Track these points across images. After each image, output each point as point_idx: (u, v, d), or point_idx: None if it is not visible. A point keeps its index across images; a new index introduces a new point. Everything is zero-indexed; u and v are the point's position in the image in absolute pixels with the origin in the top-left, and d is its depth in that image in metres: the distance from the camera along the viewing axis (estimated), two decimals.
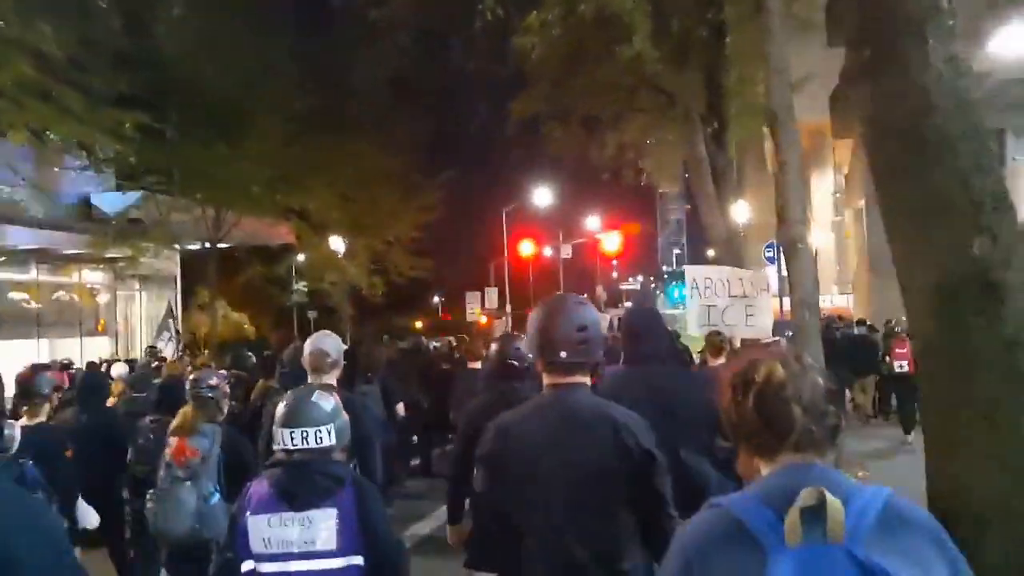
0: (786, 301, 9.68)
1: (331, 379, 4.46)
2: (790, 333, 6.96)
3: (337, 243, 24.51)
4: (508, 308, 40.39)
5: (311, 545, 2.85)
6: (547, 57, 17.35)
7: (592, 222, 54.17)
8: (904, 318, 7.07)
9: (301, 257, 27.04)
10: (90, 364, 14.62)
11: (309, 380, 4.36)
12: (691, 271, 7.13)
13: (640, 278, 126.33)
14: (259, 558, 2.89)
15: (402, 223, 26.14)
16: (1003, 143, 21.91)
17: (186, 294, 26.97)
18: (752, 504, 1.57)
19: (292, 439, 2.93)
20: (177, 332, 20.69)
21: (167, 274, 23.76)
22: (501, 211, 40.09)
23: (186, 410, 4.90)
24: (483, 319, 39.39)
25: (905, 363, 12.31)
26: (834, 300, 30.50)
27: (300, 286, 29.81)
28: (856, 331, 15.83)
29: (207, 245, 18.63)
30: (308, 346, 4.62)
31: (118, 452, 5.79)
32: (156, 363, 13.08)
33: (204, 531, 4.61)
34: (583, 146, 20.30)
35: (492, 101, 19.68)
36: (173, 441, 4.77)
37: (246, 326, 31.35)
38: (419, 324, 50.11)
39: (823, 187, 41.88)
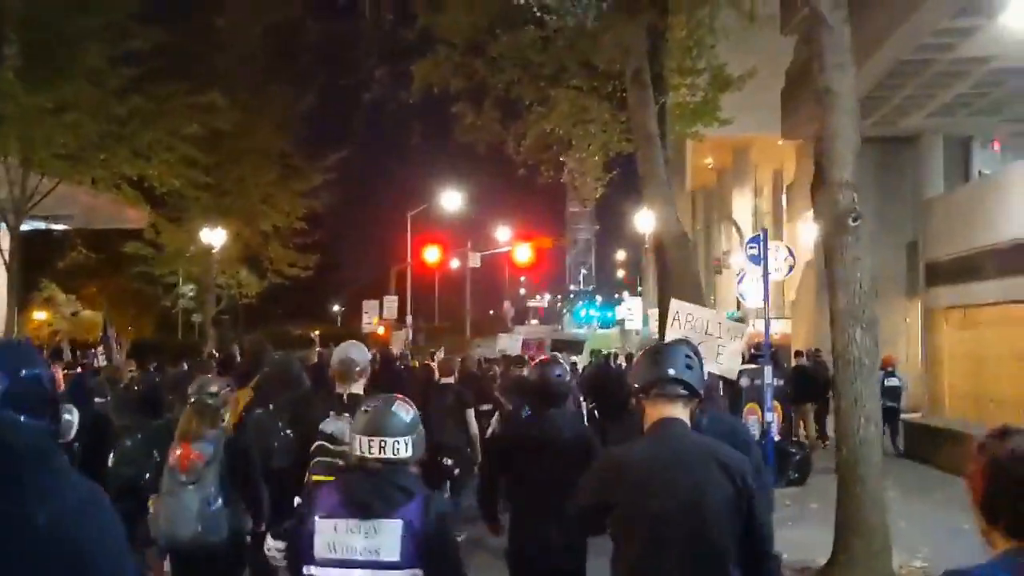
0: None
1: (358, 388, 4.50)
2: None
3: (211, 234, 20.62)
4: (409, 319, 37.36)
5: (374, 554, 2.87)
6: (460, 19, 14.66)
7: (503, 233, 52.00)
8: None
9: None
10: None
11: (337, 390, 4.53)
12: (675, 305, 7.18)
13: (548, 296, 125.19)
14: (322, 562, 2.91)
15: (278, 211, 22.30)
16: (969, 154, 19.92)
17: (27, 288, 22.76)
18: None
19: (371, 448, 2.95)
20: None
21: None
22: (405, 212, 37.06)
23: (190, 415, 4.86)
24: (380, 329, 36.46)
25: None
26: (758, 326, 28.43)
27: (188, 288, 25.75)
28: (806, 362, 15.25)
29: (8, 219, 14.11)
30: (336, 355, 4.68)
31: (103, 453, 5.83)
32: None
33: (208, 535, 4.63)
34: (498, 133, 17.49)
35: (394, 71, 16.46)
36: (177, 446, 4.75)
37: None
38: (316, 333, 46.48)
39: (744, 205, 40.56)
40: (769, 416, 9.00)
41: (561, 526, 3.92)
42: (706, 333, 6.59)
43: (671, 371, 2.88)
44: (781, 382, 9.42)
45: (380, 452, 2.92)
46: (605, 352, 16.24)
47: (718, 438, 3.17)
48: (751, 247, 9.30)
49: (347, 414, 4.07)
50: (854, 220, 5.24)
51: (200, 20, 18.29)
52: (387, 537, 2.85)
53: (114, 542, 2.09)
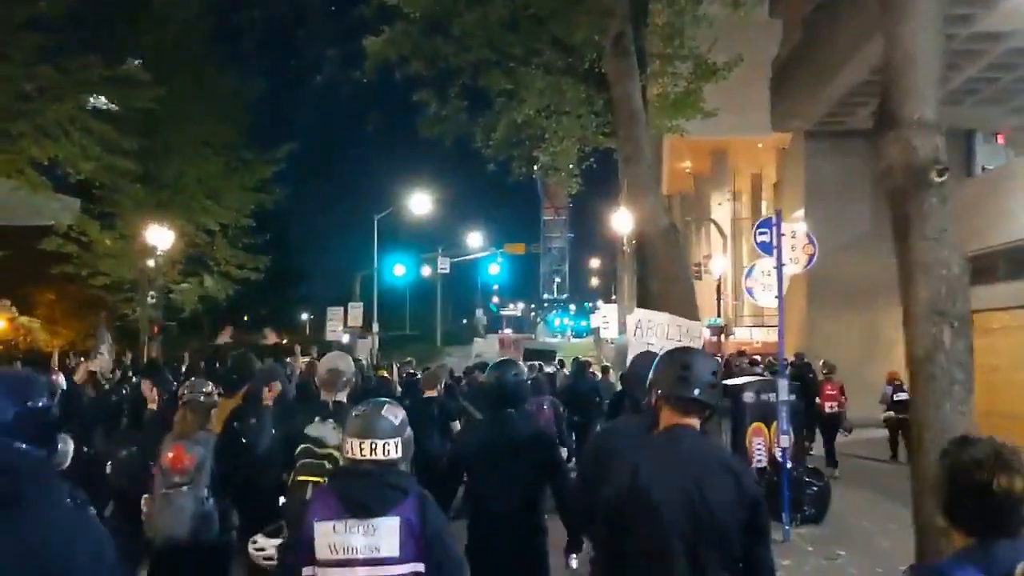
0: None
1: (343, 396, 4.59)
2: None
3: (156, 233, 18.60)
4: (376, 327, 35.74)
5: (375, 552, 2.95)
6: None
7: (475, 239, 50.56)
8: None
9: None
10: None
11: (322, 398, 4.61)
12: (637, 313, 7.18)
13: (521, 305, 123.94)
14: (324, 564, 2.98)
15: (226, 208, 20.39)
16: (971, 147, 18.59)
17: None
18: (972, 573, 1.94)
19: (362, 450, 3.06)
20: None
21: None
22: (371, 214, 35.45)
23: (183, 415, 5.05)
24: (345, 338, 34.83)
25: (835, 404, 13.13)
26: (750, 334, 27.03)
27: (150, 296, 23.70)
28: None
29: None
30: (322, 365, 4.77)
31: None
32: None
33: (201, 534, 4.79)
34: (465, 125, 16.00)
35: (348, 51, 14.83)
36: (170, 447, 4.89)
37: (42, 337, 25.10)
38: (284, 342, 44.90)
39: (722, 210, 39.49)
40: (784, 439, 7.40)
41: (519, 527, 4.13)
42: (667, 338, 6.70)
43: (697, 392, 2.94)
44: (792, 397, 7.81)
45: (371, 453, 3.05)
46: (581, 359, 14.95)
47: None
48: (761, 232, 7.70)
49: (331, 420, 4.25)
50: (939, 174, 3.71)
51: None
52: (386, 534, 2.95)
53: (103, 565, 2.24)
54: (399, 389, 12.32)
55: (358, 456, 3.04)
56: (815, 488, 8.12)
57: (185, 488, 4.80)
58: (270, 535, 4.18)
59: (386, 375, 14.18)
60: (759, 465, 8.05)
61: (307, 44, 14.83)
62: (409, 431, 3.17)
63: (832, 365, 13.66)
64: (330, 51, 14.63)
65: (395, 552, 2.92)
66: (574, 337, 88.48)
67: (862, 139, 19.13)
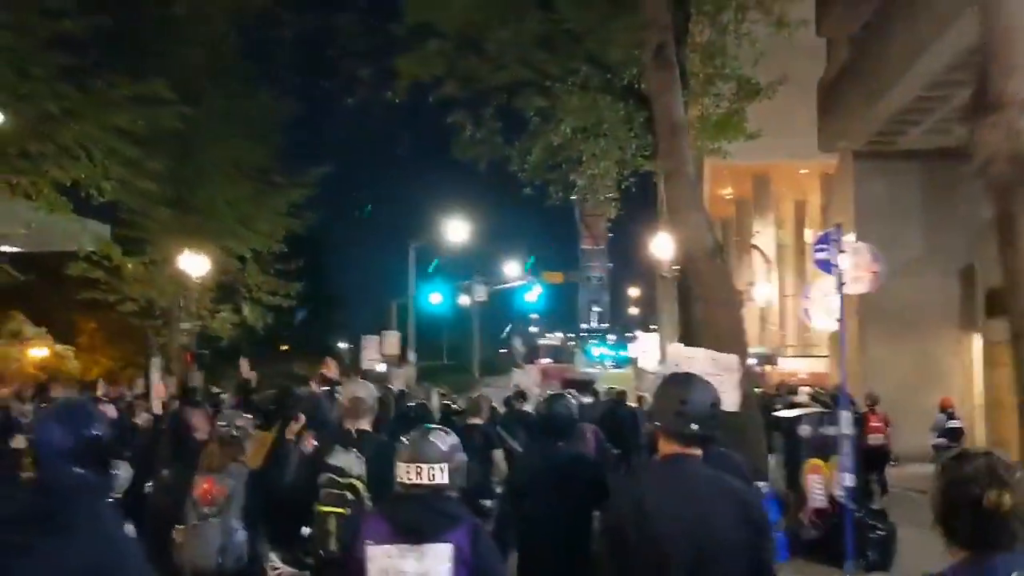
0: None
1: (366, 424, 4.68)
2: None
3: (191, 260, 18.30)
4: (412, 356, 35.34)
5: None
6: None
7: (513, 268, 50.12)
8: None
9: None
10: None
11: (345, 426, 4.70)
12: (671, 352, 7.16)
13: (559, 334, 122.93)
14: None
15: (258, 234, 20.02)
16: None
17: None
18: None
19: (410, 474, 3.10)
20: None
21: None
22: (406, 240, 35.24)
23: (214, 449, 5.13)
24: (380, 367, 34.45)
25: (880, 435, 12.35)
26: (795, 364, 26.10)
27: (188, 326, 23.51)
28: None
29: None
30: (345, 394, 4.97)
31: None
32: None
33: (228, 564, 4.86)
34: (500, 148, 15.65)
35: (380, 71, 14.49)
36: (202, 479, 4.98)
37: (73, 366, 24.97)
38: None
39: (765, 238, 38.57)
40: (848, 478, 6.67)
41: (570, 556, 4.06)
42: (704, 373, 5.58)
43: (695, 427, 2.91)
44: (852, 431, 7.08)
45: (418, 477, 3.06)
46: (617, 390, 14.58)
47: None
48: (820, 249, 7.02)
49: (355, 449, 4.37)
50: None
51: (153, 7, 16.15)
52: (437, 561, 2.96)
53: None
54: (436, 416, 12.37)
55: (406, 480, 3.08)
56: (880, 532, 7.34)
57: (214, 519, 4.90)
58: (287, 562, 4.61)
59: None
60: (817, 505, 7.35)
61: (338, 64, 14.44)
62: (460, 457, 3.17)
63: (876, 396, 13.07)
64: (362, 71, 14.28)
65: None
66: (613, 367, 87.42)
67: (914, 160, 18.37)
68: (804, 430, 7.41)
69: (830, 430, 7.33)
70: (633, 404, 14.39)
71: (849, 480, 6.65)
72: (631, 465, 9.64)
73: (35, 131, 12.14)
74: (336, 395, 10.82)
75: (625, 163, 15.99)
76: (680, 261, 12.72)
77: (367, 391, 4.90)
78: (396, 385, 20.99)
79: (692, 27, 13.41)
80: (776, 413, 8.11)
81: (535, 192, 16.69)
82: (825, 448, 7.37)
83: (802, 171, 34.83)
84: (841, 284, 6.71)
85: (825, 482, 7.38)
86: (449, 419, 13.13)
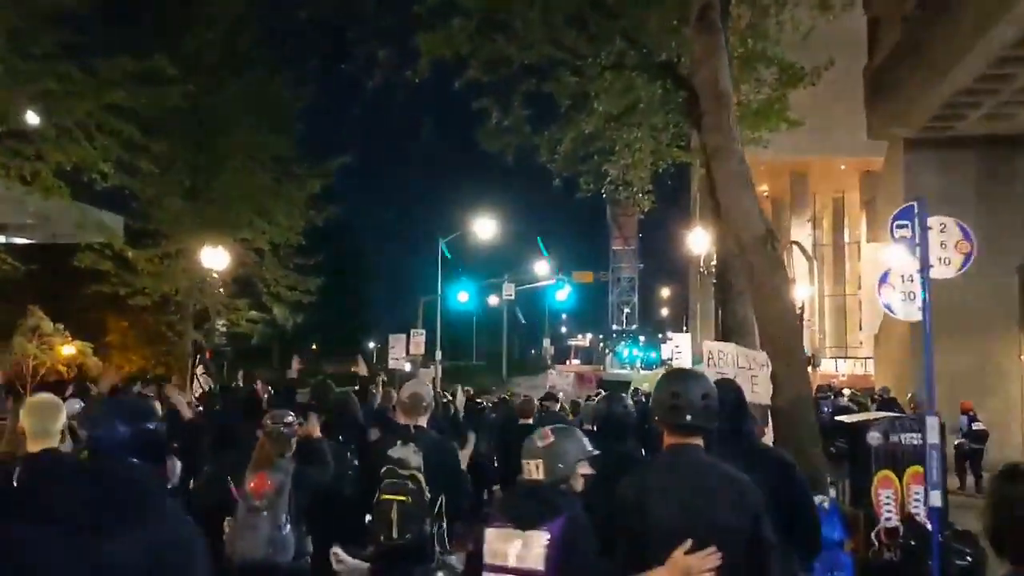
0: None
1: (423, 421, 5.04)
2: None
3: (211, 254, 17.56)
4: (438, 356, 34.71)
5: (524, 561, 3.15)
6: None
7: (542, 267, 49.34)
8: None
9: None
10: None
11: (402, 422, 5.08)
12: (708, 345, 7.10)
13: (589, 335, 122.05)
14: (487, 568, 3.25)
15: (276, 226, 19.16)
16: None
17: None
18: None
19: (523, 468, 3.37)
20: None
21: None
22: (434, 236, 34.63)
23: (264, 444, 5.30)
24: (407, 367, 33.88)
25: None
26: (835, 366, 25.00)
27: (220, 324, 23.04)
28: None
29: None
30: (404, 391, 5.29)
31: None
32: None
33: (276, 556, 5.06)
34: (528, 137, 14.79)
35: (401, 51, 13.68)
36: (253, 473, 5.17)
37: (92, 363, 24.46)
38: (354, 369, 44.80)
39: (801, 235, 37.42)
40: (935, 495, 5.64)
41: None
42: (738, 367, 6.63)
43: (689, 418, 3.12)
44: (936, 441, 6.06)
45: (527, 472, 3.33)
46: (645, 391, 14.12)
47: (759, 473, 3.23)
48: (900, 225, 6.04)
49: (412, 444, 4.70)
50: None
51: None
52: (534, 547, 3.13)
53: (206, 571, 2.48)
54: (461, 413, 12.62)
55: (524, 474, 3.34)
56: (967, 558, 6.23)
57: (264, 513, 5.09)
58: (351, 552, 4.98)
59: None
60: (888, 524, 6.39)
61: (357, 47, 13.64)
62: (557, 451, 3.31)
63: (921, 400, 12.05)
64: (382, 52, 13.48)
65: (540, 565, 3.08)
66: (644, 368, 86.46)
67: (970, 149, 17.28)
68: (873, 437, 6.46)
69: (904, 437, 6.40)
70: None
71: (936, 498, 5.67)
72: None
73: (36, 110, 11.47)
74: (371, 392, 10.71)
75: (660, 153, 15.16)
76: (723, 253, 11.78)
77: (426, 390, 5.25)
78: (424, 382, 20.41)
79: (732, 9, 12.57)
80: (840, 417, 7.19)
81: (565, 186, 15.87)
82: (897, 458, 6.43)
83: (842, 167, 33.73)
84: (926, 267, 5.76)
85: (897, 497, 6.44)
86: (478, 417, 12.56)
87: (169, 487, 4.99)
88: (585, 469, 3.37)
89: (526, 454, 3.35)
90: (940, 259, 6.12)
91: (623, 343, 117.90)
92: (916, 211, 5.89)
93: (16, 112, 11.61)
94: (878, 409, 12.30)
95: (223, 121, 17.04)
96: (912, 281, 6.51)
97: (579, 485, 3.34)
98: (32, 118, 12.31)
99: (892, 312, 7.10)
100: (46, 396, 4.53)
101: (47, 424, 4.05)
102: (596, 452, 3.44)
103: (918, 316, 6.36)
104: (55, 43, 11.51)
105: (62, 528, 2.23)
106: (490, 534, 3.25)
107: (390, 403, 9.51)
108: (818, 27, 13.46)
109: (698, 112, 9.33)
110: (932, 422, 5.75)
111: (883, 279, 7.00)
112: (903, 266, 6.58)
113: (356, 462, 6.22)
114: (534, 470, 3.29)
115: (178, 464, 5.28)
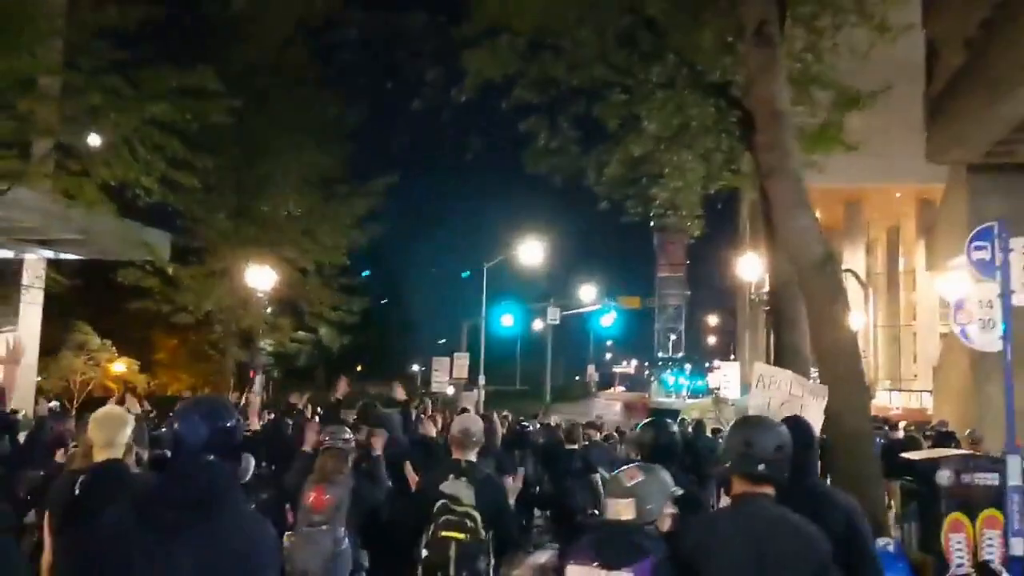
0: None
1: (473, 455, 4.89)
2: None
3: (258, 274, 17.45)
4: (482, 380, 34.53)
5: None
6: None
7: (587, 292, 48.92)
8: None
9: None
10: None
11: (455, 455, 4.88)
12: (760, 367, 6.53)
13: (634, 362, 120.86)
14: None
15: (321, 246, 19.14)
16: None
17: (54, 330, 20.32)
18: None
19: (608, 507, 3.32)
20: None
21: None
22: (479, 258, 34.51)
23: (324, 460, 5.47)
24: (450, 390, 33.72)
25: None
26: (888, 398, 24.18)
27: (266, 343, 23.13)
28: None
29: None
30: (455, 426, 5.12)
31: None
32: None
33: (335, 571, 5.20)
34: (576, 158, 14.52)
35: (449, 71, 13.59)
36: (312, 488, 5.37)
37: (138, 380, 24.66)
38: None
39: (855, 262, 36.59)
40: (1018, 544, 5.17)
41: None
42: (790, 394, 6.29)
43: (761, 468, 3.10)
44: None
45: (611, 512, 3.28)
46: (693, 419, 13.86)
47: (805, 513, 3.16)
48: (978, 247, 5.63)
49: (464, 478, 4.64)
50: None
51: (209, 3, 15.46)
52: None
53: (277, 562, 2.69)
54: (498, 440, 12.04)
55: (609, 513, 3.31)
56: None
57: (324, 527, 5.23)
58: None
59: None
60: (960, 572, 5.91)
61: (406, 67, 13.55)
62: (645, 494, 3.26)
63: (979, 436, 11.75)
64: (430, 73, 13.38)
65: None
66: (690, 397, 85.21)
67: None
68: (944, 477, 5.99)
69: (977, 477, 5.93)
70: (710, 435, 13.44)
71: (1018, 547, 5.20)
72: (698, 499, 8.88)
73: (82, 125, 11.50)
74: (408, 415, 10.53)
75: (711, 176, 14.79)
76: (777, 278, 11.34)
77: (476, 425, 5.16)
78: (465, 406, 20.17)
79: (787, 31, 12.24)
80: (905, 455, 6.72)
81: (611, 209, 15.53)
82: (970, 500, 5.96)
83: (897, 195, 32.93)
84: (1008, 292, 5.34)
85: (970, 542, 5.96)
86: (521, 442, 12.31)
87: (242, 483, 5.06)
88: (670, 508, 3.31)
89: (613, 493, 3.30)
90: (1023, 284, 5.69)
91: (669, 371, 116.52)
92: (997, 232, 5.46)
93: (68, 128, 11.68)
94: (933, 445, 11.67)
95: (270, 140, 17.05)
96: (992, 307, 6.07)
97: (665, 525, 3.28)
98: (94, 139, 12.44)
99: (969, 341, 6.64)
100: (113, 408, 4.67)
101: (113, 435, 4.17)
102: (680, 491, 3.37)
103: (997, 346, 5.92)
104: (103, 58, 11.54)
105: (140, 525, 2.37)
106: (573, 571, 3.22)
107: (434, 431, 9.27)
108: (874, 51, 13.06)
109: (752, 132, 9.02)
110: (1014, 462, 5.30)
111: (959, 306, 6.55)
112: (981, 292, 6.15)
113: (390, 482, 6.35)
114: (623, 510, 3.24)
115: (251, 460, 5.36)
